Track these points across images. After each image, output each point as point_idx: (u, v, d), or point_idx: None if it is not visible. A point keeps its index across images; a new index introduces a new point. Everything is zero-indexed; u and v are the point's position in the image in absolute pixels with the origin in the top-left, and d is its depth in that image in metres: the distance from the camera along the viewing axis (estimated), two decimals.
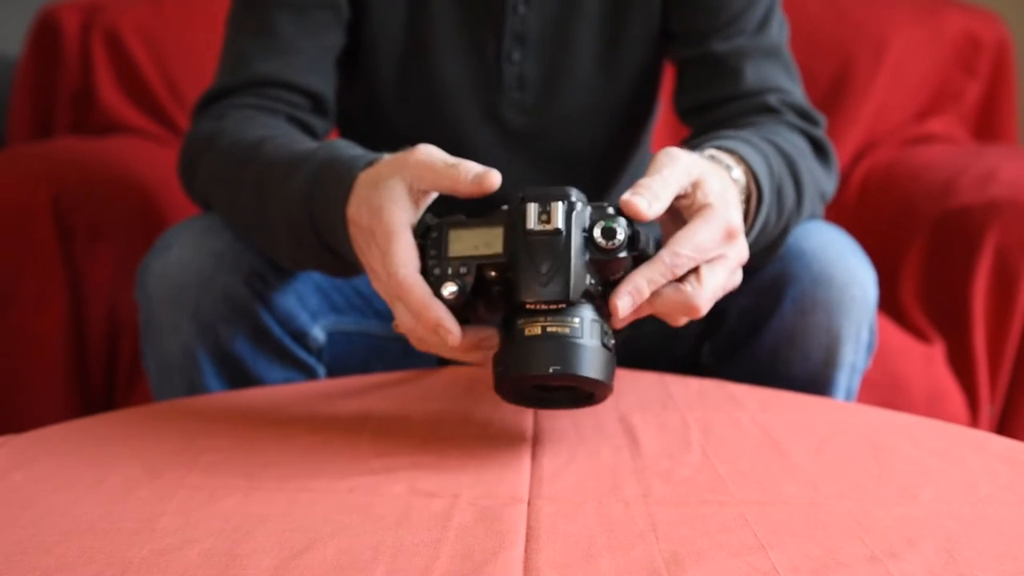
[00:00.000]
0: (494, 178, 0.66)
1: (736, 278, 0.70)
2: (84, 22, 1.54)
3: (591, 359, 0.62)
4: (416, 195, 0.68)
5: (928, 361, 1.26)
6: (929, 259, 1.33)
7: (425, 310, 0.64)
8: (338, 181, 0.72)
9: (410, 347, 0.97)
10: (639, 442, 0.68)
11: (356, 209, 0.69)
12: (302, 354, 0.89)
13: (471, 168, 0.66)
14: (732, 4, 0.92)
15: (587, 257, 0.64)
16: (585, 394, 0.65)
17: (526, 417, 0.73)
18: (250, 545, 0.53)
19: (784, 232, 0.82)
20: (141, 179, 1.32)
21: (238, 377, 0.85)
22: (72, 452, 0.66)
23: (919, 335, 1.30)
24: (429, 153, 0.68)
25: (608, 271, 0.65)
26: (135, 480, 0.61)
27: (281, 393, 0.80)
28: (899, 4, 1.65)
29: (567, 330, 0.63)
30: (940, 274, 1.31)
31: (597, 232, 0.64)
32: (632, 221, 0.65)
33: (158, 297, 0.83)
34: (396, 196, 0.67)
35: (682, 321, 0.68)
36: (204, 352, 0.83)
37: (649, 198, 0.64)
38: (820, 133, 0.90)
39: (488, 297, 0.66)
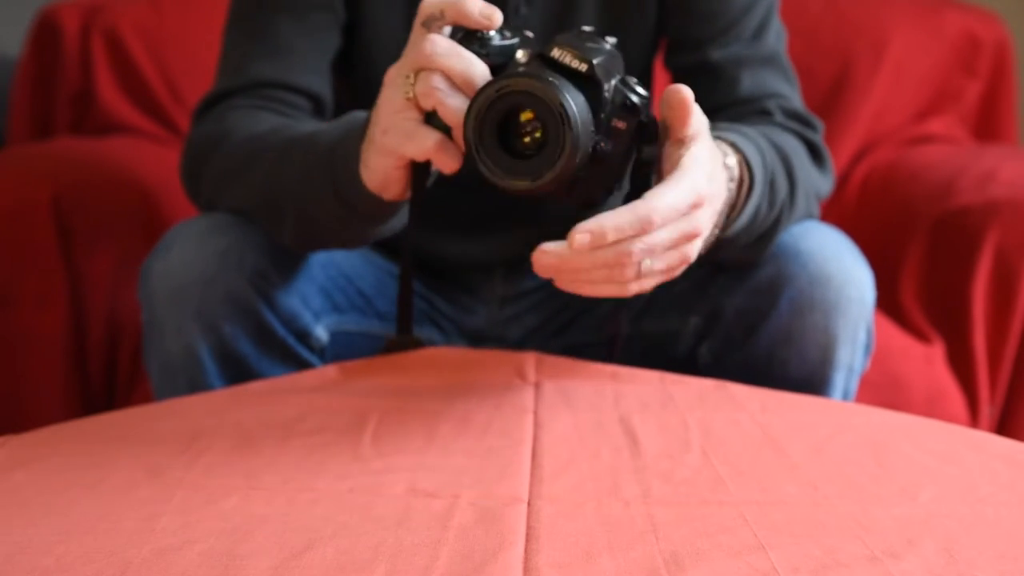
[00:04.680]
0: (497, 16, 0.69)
1: (689, 250, 0.69)
2: (84, 22, 1.54)
3: (579, 109, 0.65)
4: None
5: (928, 361, 1.26)
6: (929, 259, 1.32)
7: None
8: (360, 128, 0.75)
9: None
10: (639, 442, 0.68)
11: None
12: (305, 354, 0.89)
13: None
14: (728, 12, 0.93)
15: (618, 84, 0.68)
16: (546, 159, 0.65)
17: (526, 417, 0.73)
18: (250, 545, 0.53)
19: (776, 224, 0.82)
20: (141, 179, 1.32)
21: (241, 377, 0.85)
22: (72, 452, 0.66)
23: (919, 335, 1.30)
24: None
25: (619, 112, 0.69)
26: (135, 480, 0.61)
27: (281, 392, 0.80)
28: (899, 4, 1.65)
29: (571, 88, 0.66)
30: (940, 274, 1.31)
31: (635, 80, 0.70)
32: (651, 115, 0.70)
33: (161, 297, 0.83)
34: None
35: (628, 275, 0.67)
36: (207, 352, 0.83)
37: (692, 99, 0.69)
38: (815, 137, 0.91)
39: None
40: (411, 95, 0.69)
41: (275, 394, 0.79)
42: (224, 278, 0.82)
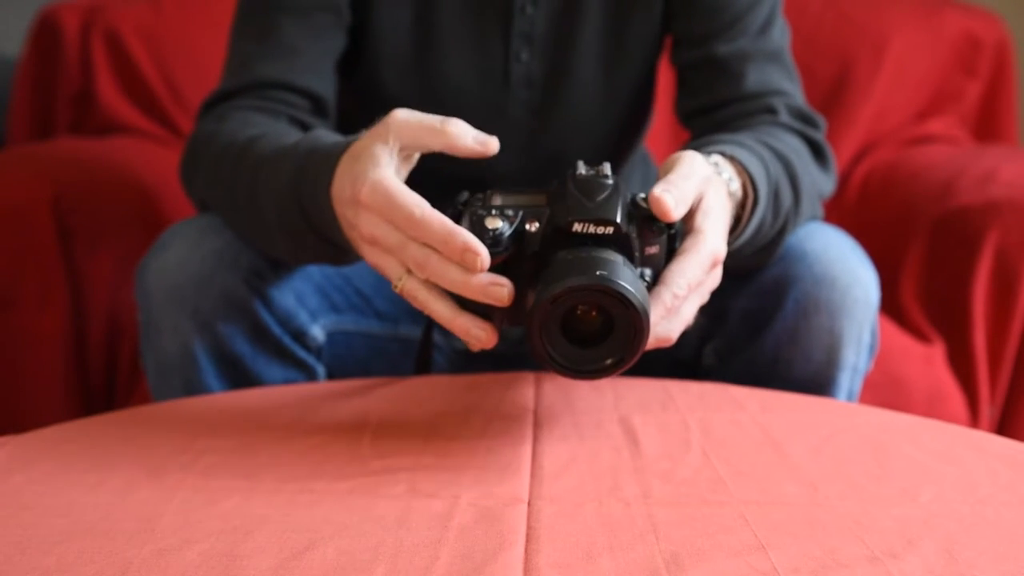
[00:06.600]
0: (493, 144, 0.67)
1: (704, 299, 0.71)
2: (84, 22, 1.54)
3: (634, 284, 0.61)
4: (401, 157, 0.68)
5: (928, 361, 1.26)
6: (929, 259, 1.33)
7: (451, 235, 0.62)
8: (321, 165, 0.72)
9: (409, 347, 0.98)
10: (639, 443, 0.68)
11: (339, 185, 0.69)
12: (301, 353, 0.89)
13: (467, 128, 0.67)
14: (734, 6, 0.93)
15: (631, 210, 0.66)
16: (621, 344, 0.62)
17: (526, 418, 0.73)
18: (250, 546, 0.53)
19: (781, 233, 0.83)
20: (141, 179, 1.32)
21: (237, 376, 0.85)
22: (72, 452, 0.66)
23: (919, 335, 1.30)
24: (409, 112, 0.67)
25: (645, 237, 0.66)
26: (135, 481, 0.61)
27: (281, 394, 0.80)
28: (899, 4, 1.66)
29: (610, 257, 0.62)
30: (940, 274, 1.31)
31: (639, 196, 0.66)
32: None
33: (157, 296, 0.83)
34: (379, 159, 0.66)
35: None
36: (203, 351, 0.83)
37: (677, 198, 0.66)
38: (818, 135, 0.91)
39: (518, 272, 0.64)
40: (401, 283, 0.66)
41: (275, 397, 0.79)
42: (220, 277, 0.82)
